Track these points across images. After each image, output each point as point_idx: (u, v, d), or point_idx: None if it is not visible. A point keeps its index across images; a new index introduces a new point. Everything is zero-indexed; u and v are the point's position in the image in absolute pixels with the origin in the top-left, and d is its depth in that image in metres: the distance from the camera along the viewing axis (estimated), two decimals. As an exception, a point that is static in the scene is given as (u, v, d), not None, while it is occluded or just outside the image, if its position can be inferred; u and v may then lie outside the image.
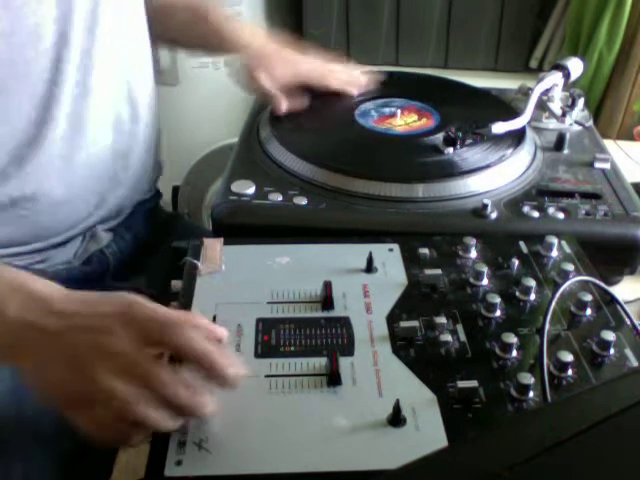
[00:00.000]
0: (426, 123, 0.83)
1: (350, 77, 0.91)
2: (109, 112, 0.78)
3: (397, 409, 0.45)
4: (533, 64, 1.43)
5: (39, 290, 0.49)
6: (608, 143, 0.89)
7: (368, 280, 0.59)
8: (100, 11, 0.73)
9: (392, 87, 0.92)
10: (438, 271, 0.59)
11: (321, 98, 0.88)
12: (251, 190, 0.70)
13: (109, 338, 0.45)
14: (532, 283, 0.57)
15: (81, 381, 0.45)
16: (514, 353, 0.52)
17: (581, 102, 0.89)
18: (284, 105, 0.84)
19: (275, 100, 0.84)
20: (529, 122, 0.82)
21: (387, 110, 0.86)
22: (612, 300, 0.57)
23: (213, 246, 0.62)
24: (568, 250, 0.64)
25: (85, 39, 0.72)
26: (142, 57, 0.83)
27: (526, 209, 0.69)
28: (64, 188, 0.74)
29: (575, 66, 0.87)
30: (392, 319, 0.55)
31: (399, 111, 0.85)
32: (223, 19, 0.91)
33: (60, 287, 0.51)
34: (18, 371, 0.48)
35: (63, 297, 0.49)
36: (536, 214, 0.68)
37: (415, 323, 0.54)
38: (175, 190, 1.42)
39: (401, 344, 0.53)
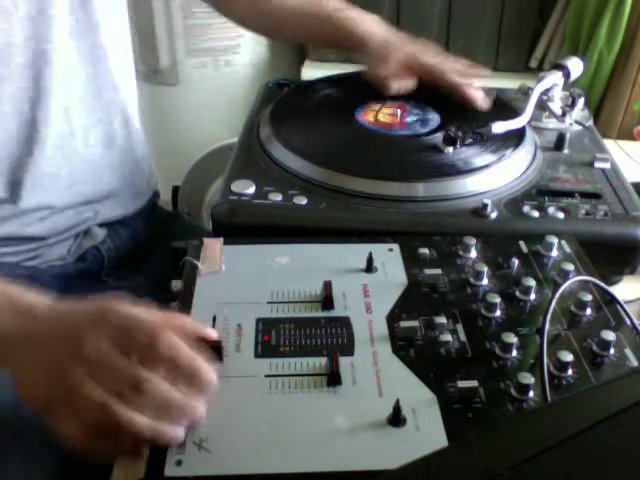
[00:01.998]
0: (426, 122, 0.83)
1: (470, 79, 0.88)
2: (98, 127, 0.78)
3: (397, 409, 0.45)
4: (533, 64, 1.43)
5: (26, 303, 0.50)
6: (608, 143, 0.89)
7: (368, 280, 0.59)
8: (80, 28, 0.72)
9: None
10: (438, 271, 0.59)
11: (321, 97, 0.88)
12: (251, 190, 0.70)
13: (82, 344, 0.45)
14: (532, 283, 0.57)
15: (59, 386, 0.45)
16: (514, 353, 0.52)
17: (581, 102, 0.89)
18: (394, 86, 0.86)
19: (385, 83, 0.86)
20: (529, 122, 0.82)
21: (387, 109, 0.86)
22: (612, 300, 0.57)
23: (213, 246, 0.62)
24: (568, 250, 0.64)
25: (68, 57, 0.72)
26: (129, 68, 0.83)
27: (526, 209, 0.69)
28: (56, 202, 0.74)
29: (575, 66, 0.87)
30: (392, 319, 0.55)
31: (399, 110, 0.85)
32: (344, 13, 0.91)
33: (45, 298, 0.51)
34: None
35: (46, 308, 0.50)
36: (536, 214, 0.68)
37: (415, 323, 0.54)
38: (175, 190, 1.42)
39: (401, 344, 0.53)
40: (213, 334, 0.50)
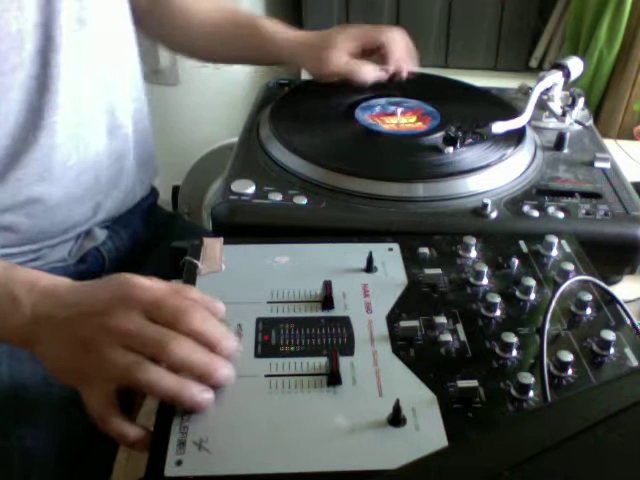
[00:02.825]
0: (426, 122, 0.83)
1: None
2: (104, 116, 0.78)
3: (397, 409, 0.45)
4: (533, 63, 1.43)
5: (47, 286, 0.53)
6: (608, 142, 0.89)
7: (368, 280, 0.59)
8: (86, 15, 0.72)
9: (392, 86, 0.92)
10: (438, 271, 0.59)
11: (321, 97, 0.88)
12: (251, 189, 0.70)
13: (111, 319, 0.48)
14: (532, 283, 0.57)
15: (90, 359, 0.48)
16: (514, 353, 0.52)
17: (581, 101, 0.89)
18: (369, 72, 0.86)
19: (356, 72, 0.86)
20: (529, 121, 0.82)
21: (387, 109, 0.86)
22: (612, 300, 0.57)
23: (213, 246, 0.62)
24: (568, 249, 0.64)
25: (73, 44, 0.72)
26: (131, 59, 0.83)
27: (526, 208, 0.69)
28: (60, 193, 0.74)
29: (575, 65, 0.87)
30: (392, 319, 0.55)
31: (399, 110, 0.85)
32: (270, 26, 0.92)
33: (66, 280, 0.55)
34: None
35: (69, 289, 0.53)
36: (536, 213, 0.68)
37: (415, 323, 0.54)
38: (175, 190, 1.42)
39: (401, 344, 0.53)
40: (221, 308, 0.52)
